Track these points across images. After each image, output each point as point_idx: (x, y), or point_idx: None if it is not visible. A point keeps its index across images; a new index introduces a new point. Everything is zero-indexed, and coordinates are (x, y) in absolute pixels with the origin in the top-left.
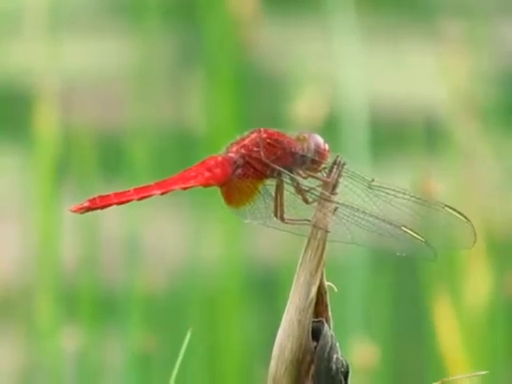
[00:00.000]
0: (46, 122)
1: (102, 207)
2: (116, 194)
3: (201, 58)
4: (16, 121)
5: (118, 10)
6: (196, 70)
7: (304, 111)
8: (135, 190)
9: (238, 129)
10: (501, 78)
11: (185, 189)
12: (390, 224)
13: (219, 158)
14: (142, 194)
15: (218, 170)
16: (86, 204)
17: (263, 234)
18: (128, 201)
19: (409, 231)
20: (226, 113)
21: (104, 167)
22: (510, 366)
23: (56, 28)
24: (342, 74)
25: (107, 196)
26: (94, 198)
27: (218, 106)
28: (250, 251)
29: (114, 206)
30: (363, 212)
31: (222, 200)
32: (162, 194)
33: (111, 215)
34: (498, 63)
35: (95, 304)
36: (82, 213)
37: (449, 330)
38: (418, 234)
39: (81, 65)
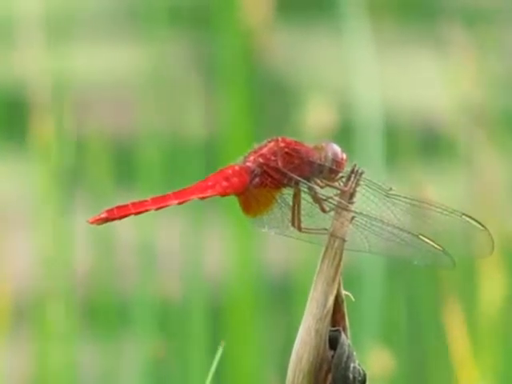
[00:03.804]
0: (55, 128)
1: (120, 218)
2: (134, 204)
3: (213, 64)
4: (26, 128)
5: (131, 16)
6: (209, 77)
7: (316, 118)
8: (152, 199)
9: (251, 136)
10: (509, 85)
11: (202, 198)
12: (408, 233)
13: (237, 167)
14: (160, 203)
15: (235, 179)
16: (104, 215)
17: (278, 241)
18: (146, 211)
19: (426, 240)
20: (239, 120)
21: (116, 174)
22: None
23: (68, 34)
24: (353, 81)
25: (125, 206)
26: (112, 209)
27: (231, 113)
28: (265, 258)
29: (132, 216)
30: (381, 221)
31: (240, 208)
32: (180, 203)
33: (124, 222)
34: (506, 70)
35: (108, 311)
36: (99, 224)
37: (464, 339)
38: (435, 242)
39: (94, 71)
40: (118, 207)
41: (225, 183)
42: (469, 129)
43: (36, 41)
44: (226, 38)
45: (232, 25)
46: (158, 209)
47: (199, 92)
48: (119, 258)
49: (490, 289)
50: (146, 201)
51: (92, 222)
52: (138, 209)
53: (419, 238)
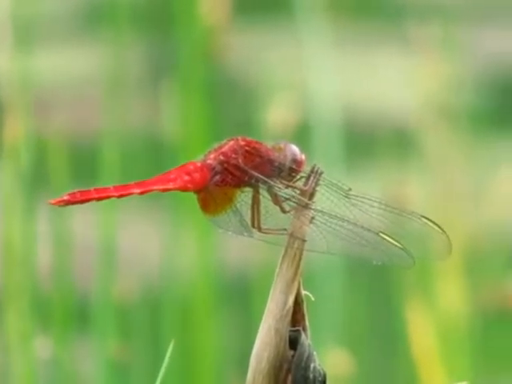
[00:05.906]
0: (16, 131)
1: (82, 202)
2: (96, 190)
3: (173, 65)
4: None
5: (90, 18)
6: (168, 77)
7: (276, 118)
8: (115, 187)
9: (211, 136)
10: (473, 85)
11: (163, 191)
12: (368, 230)
13: (198, 164)
14: (122, 191)
15: (196, 175)
16: (66, 197)
17: (239, 240)
18: (108, 197)
19: (386, 237)
20: (198, 120)
21: (77, 175)
22: (482, 376)
23: (29, 37)
24: (314, 80)
25: (87, 191)
26: (74, 192)
27: (190, 113)
28: (226, 258)
29: (94, 202)
30: (341, 219)
31: (199, 207)
32: (141, 193)
33: (85, 222)
34: (470, 69)
35: (68, 312)
36: (61, 206)
37: (424, 339)
38: (395, 240)
39: (53, 74)
40: (81, 191)
41: (186, 177)
42: (433, 126)
43: (3, 42)
44: (185, 38)
45: (191, 24)
46: (119, 196)
47: (159, 93)
48: (80, 258)
49: (452, 288)
50: (109, 188)
51: (53, 204)
52: (101, 194)
53: (379, 236)
